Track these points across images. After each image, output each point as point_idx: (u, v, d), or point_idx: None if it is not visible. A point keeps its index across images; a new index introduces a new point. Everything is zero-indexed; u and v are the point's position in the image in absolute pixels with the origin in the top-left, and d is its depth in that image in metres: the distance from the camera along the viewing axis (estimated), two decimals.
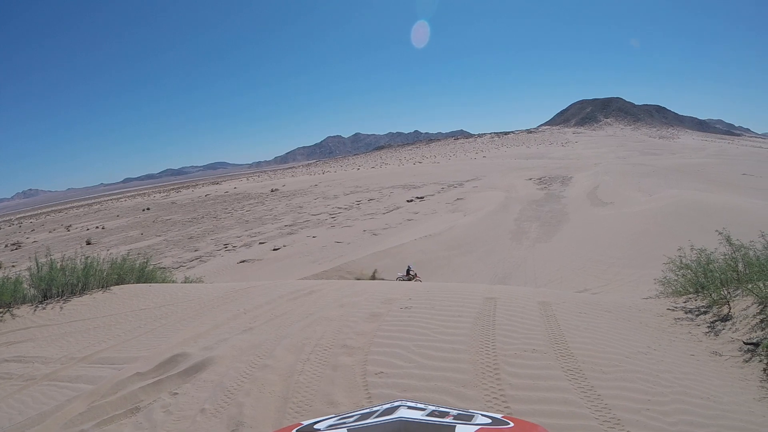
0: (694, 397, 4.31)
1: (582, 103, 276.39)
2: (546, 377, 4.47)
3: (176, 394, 4.40)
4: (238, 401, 4.14)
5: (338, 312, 6.21)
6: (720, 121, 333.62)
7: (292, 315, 6.25)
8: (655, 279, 8.95)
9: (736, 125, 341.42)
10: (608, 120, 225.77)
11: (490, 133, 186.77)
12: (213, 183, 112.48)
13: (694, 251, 7.79)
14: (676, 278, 8.05)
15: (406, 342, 5.08)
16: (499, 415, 1.38)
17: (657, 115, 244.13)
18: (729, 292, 6.67)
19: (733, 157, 65.80)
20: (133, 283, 9.77)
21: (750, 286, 6.14)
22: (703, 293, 7.13)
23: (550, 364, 4.69)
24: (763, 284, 5.94)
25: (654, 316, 7.05)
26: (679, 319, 6.81)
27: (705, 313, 6.73)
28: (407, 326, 5.53)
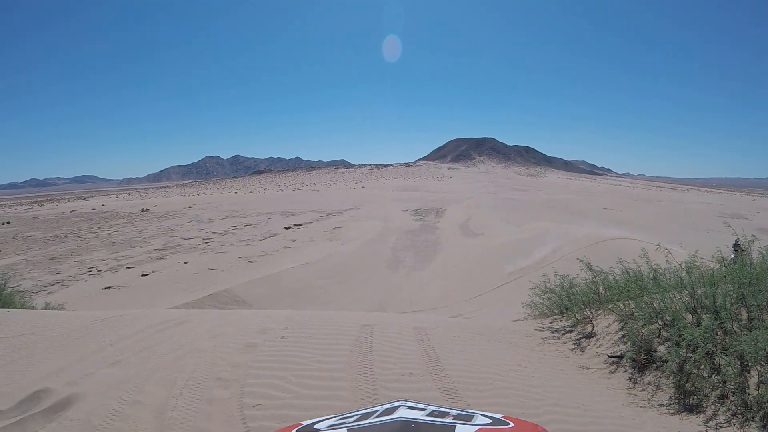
0: (567, 407, 4.63)
1: (458, 141, 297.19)
2: (423, 399, 4.51)
3: None
4: None
5: (211, 343, 5.97)
6: (584, 162, 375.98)
7: (161, 347, 5.89)
8: (522, 303, 9.56)
9: (599, 166, 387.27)
10: (481, 158, 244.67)
11: (370, 165, 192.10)
12: (80, 198, 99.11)
13: (558, 277, 8.45)
14: (541, 301, 8.67)
15: (283, 372, 4.95)
16: (498, 416, 1.42)
17: (526, 155, 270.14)
18: (591, 312, 7.34)
19: (595, 194, 74.37)
20: None
21: (611, 306, 6.80)
22: (568, 314, 7.78)
23: (428, 386, 4.78)
24: (623, 304, 6.62)
25: (523, 336, 7.54)
26: (546, 338, 7.34)
27: (570, 331, 7.34)
28: (284, 356, 5.42)
